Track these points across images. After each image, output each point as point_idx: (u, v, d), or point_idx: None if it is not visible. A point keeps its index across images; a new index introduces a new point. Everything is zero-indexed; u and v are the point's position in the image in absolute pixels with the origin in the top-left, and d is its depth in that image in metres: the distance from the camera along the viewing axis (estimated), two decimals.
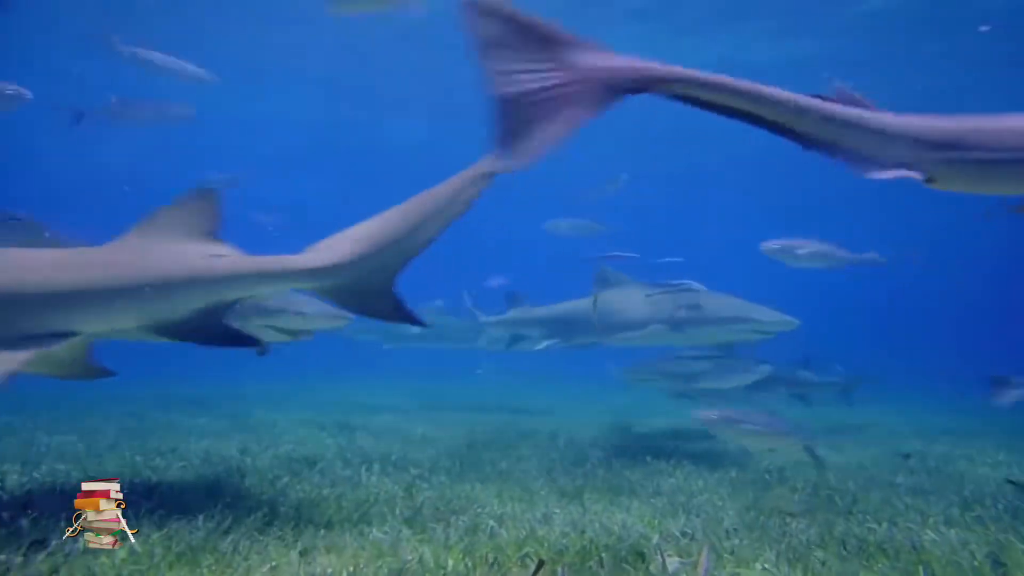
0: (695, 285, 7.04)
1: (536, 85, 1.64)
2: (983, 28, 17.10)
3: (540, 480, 5.37)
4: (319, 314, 4.47)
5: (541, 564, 3.15)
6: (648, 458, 6.49)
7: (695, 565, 3.30)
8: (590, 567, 3.15)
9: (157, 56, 8.51)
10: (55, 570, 2.71)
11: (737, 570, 3.26)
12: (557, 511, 4.30)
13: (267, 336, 4.57)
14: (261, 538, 3.36)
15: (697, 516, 4.29)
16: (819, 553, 3.53)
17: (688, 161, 26.80)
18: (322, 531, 3.53)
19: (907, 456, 7.13)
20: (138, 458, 5.79)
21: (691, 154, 26.14)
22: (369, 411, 11.17)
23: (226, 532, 3.32)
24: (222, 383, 15.55)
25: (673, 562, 3.32)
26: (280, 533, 3.44)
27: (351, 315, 4.48)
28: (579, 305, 7.78)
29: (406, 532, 3.55)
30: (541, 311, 8.43)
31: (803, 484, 5.43)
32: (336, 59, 20.04)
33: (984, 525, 4.17)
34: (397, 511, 4.16)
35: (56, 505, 3.55)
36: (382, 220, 3.95)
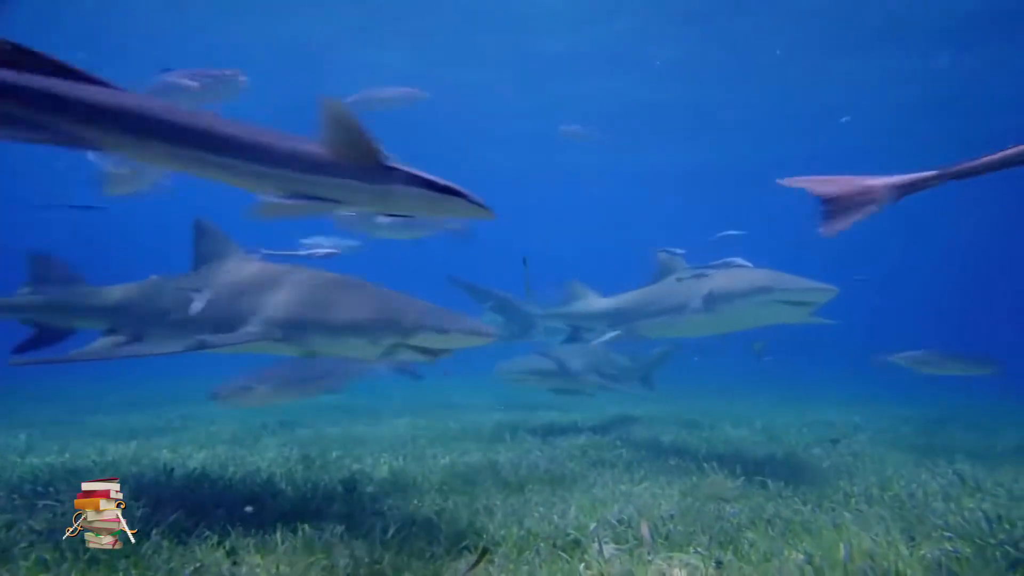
0: (739, 261, 6.18)
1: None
2: (844, 119, 19.33)
3: (483, 473, 5.35)
4: (461, 330, 3.76)
5: (484, 552, 3.14)
6: (591, 450, 6.58)
7: (631, 551, 3.36)
8: (526, 557, 3.15)
9: (376, 91, 8.27)
10: None
11: (671, 554, 3.33)
12: (498, 503, 4.30)
13: (403, 355, 3.88)
14: (187, 539, 3.22)
15: (636, 504, 4.36)
16: (749, 534, 3.66)
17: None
18: (253, 529, 3.41)
19: (835, 441, 7.50)
20: (55, 463, 5.46)
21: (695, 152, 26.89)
22: (314, 412, 10.91)
23: (147, 534, 3.16)
24: (174, 381, 14.81)
25: (609, 548, 3.37)
26: (207, 533, 3.30)
27: (495, 331, 3.96)
28: (642, 294, 7.15)
29: (340, 528, 3.46)
30: (604, 302, 7.70)
31: (740, 470, 5.61)
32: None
33: (900, 503, 4.42)
34: (335, 507, 4.06)
35: None
36: None
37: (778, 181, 3.28)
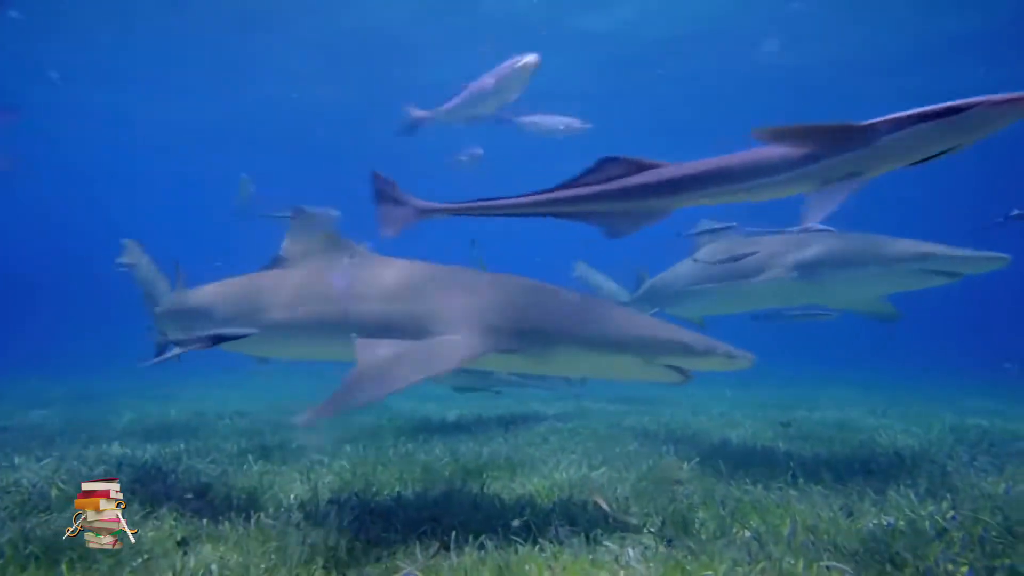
0: (818, 226, 5.54)
1: None
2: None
3: (444, 460, 5.37)
4: (744, 357, 3.45)
5: (443, 546, 3.15)
6: (552, 437, 6.67)
7: (585, 532, 3.43)
8: (480, 543, 3.18)
9: (540, 119, 8.08)
10: None
11: (624, 535, 3.42)
12: (456, 490, 4.32)
13: (655, 375, 3.54)
14: (136, 531, 3.15)
15: (593, 487, 4.44)
16: (700, 514, 3.78)
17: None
18: (205, 520, 3.36)
19: (787, 425, 7.76)
20: None
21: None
22: (275, 400, 10.73)
23: None
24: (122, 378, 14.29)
25: (564, 531, 3.43)
26: (158, 524, 3.24)
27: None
28: (683, 266, 6.69)
29: (297, 516, 3.44)
30: (652, 281, 7.37)
31: (695, 454, 5.77)
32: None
33: (843, 483, 4.61)
34: (292, 496, 4.03)
35: None
36: None
37: None
